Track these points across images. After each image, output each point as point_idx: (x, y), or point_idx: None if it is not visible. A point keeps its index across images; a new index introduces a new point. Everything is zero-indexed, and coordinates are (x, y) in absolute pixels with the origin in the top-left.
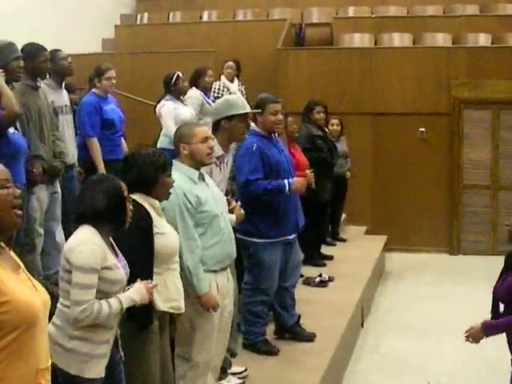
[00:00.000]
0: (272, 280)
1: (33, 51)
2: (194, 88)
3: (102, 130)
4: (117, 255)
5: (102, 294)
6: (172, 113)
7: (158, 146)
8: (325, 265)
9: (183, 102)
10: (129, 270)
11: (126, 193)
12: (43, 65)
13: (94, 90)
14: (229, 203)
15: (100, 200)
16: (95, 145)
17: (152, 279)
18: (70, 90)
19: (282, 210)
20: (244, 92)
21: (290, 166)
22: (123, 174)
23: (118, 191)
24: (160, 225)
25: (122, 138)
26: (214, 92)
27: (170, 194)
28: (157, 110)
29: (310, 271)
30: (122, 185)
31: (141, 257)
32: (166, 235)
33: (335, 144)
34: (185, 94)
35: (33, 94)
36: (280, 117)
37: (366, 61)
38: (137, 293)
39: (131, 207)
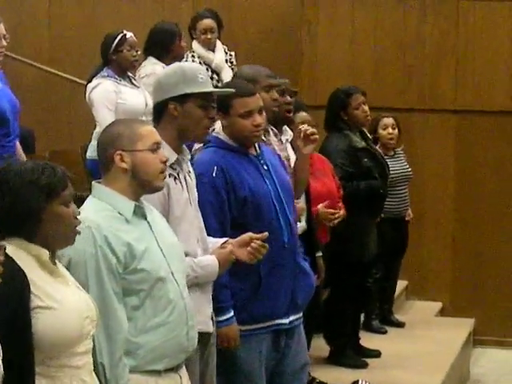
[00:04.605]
0: None
1: None
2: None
3: None
4: None
5: None
6: (110, 99)
7: (88, 155)
8: (365, 365)
9: (133, 81)
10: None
11: None
12: None
13: None
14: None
15: None
16: None
17: None
18: None
19: (266, 275)
20: (235, 63)
21: (287, 193)
22: None
23: None
24: (47, 291)
25: (17, 141)
26: None
27: (75, 233)
28: (87, 93)
29: (338, 376)
30: None
31: (6, 346)
32: (55, 311)
33: (387, 162)
34: (134, 67)
35: None
36: (258, 120)
37: (450, 17)
38: None
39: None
